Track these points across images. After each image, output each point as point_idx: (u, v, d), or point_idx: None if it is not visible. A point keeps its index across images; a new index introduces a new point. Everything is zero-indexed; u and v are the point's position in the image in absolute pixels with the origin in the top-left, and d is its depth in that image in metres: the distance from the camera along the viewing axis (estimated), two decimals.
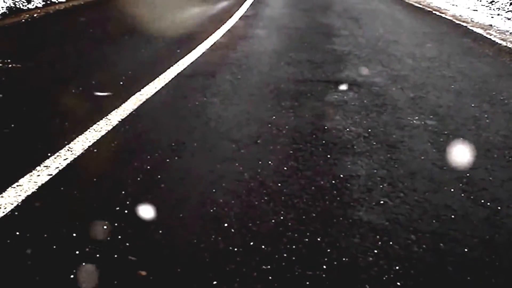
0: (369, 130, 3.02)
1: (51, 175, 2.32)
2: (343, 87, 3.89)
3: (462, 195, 2.29)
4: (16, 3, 7.16)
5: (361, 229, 1.96)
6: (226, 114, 3.22)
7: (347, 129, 3.02)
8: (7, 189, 2.17)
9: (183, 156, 2.59)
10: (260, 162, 2.53)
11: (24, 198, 2.10)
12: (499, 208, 2.18)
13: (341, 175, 2.43)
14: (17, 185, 2.20)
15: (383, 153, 2.71)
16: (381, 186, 2.33)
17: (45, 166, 2.40)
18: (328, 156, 2.65)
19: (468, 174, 2.50)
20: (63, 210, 2.04)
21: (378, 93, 3.76)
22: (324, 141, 2.84)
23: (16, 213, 1.98)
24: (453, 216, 2.10)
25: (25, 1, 7.40)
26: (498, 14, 8.81)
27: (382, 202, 2.19)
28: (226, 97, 3.54)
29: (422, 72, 4.46)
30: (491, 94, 3.88)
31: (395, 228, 1.98)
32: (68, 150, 2.59)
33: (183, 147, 2.69)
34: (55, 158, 2.49)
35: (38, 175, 2.31)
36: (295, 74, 4.21)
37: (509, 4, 9.35)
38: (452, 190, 2.34)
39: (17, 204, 2.05)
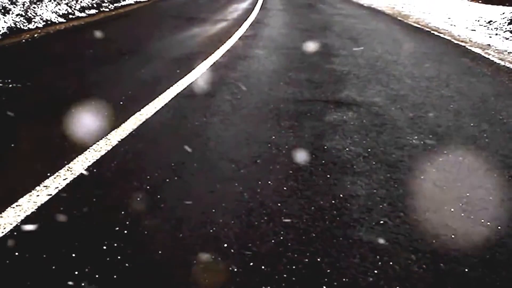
0: (369, 150, 3.05)
1: (50, 195, 2.34)
2: (343, 107, 3.93)
3: (462, 214, 2.31)
4: (17, 23, 7.27)
5: (361, 249, 1.97)
6: (225, 134, 3.25)
7: (347, 149, 3.06)
8: (7, 209, 2.18)
9: (182, 176, 2.61)
10: (259, 182, 2.56)
11: (23, 218, 2.12)
12: (499, 227, 2.20)
13: (341, 195, 2.46)
14: (17, 205, 2.22)
15: (382, 172, 2.73)
16: (381, 206, 2.35)
17: (44, 186, 2.42)
18: (328, 176, 2.68)
19: (468, 194, 2.52)
20: (62, 230, 2.06)
21: (377, 113, 3.80)
22: (323, 161, 2.87)
23: (15, 233, 1.99)
24: (453, 236, 2.11)
25: (25, 21, 7.50)
26: (496, 34, 8.94)
27: (382, 222, 2.20)
28: (226, 117, 3.58)
29: (421, 92, 4.51)
30: (490, 113, 3.93)
31: (395, 248, 1.99)
32: (67, 170, 2.61)
33: (183, 167, 2.71)
34: (54, 178, 2.51)
35: (38, 195, 2.33)
36: (295, 94, 4.26)
37: (506, 24, 9.49)
38: (452, 209, 2.36)
39: (16, 224, 2.06)
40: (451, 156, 3.01)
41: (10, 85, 4.18)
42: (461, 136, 3.39)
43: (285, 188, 2.51)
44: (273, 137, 3.21)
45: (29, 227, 2.05)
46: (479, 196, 2.51)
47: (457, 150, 3.12)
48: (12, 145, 2.97)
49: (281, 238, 2.04)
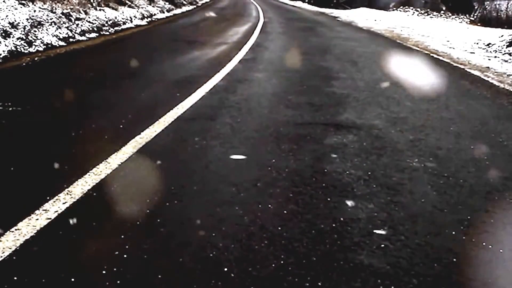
0: (369, 173, 3.07)
1: (50, 219, 2.35)
2: (343, 130, 3.97)
3: (464, 238, 2.32)
4: (17, 46, 7.37)
5: (362, 273, 1.98)
6: (225, 157, 3.27)
7: (347, 172, 3.08)
8: (6, 233, 2.19)
9: (183, 200, 2.63)
10: (260, 206, 2.57)
11: (22, 242, 2.13)
12: (501, 251, 2.21)
13: (342, 218, 2.47)
14: (16, 229, 2.23)
15: (383, 196, 2.75)
16: (382, 229, 2.36)
17: (44, 210, 2.43)
18: (328, 199, 2.69)
19: (469, 217, 2.53)
20: (62, 254, 2.06)
21: (377, 136, 3.84)
22: (324, 184, 2.89)
23: (14, 257, 2.00)
24: (455, 260, 2.12)
25: (26, 45, 7.61)
26: (495, 57, 9.05)
27: (383, 245, 2.21)
28: (226, 140, 3.61)
29: (421, 114, 4.56)
30: (490, 136, 3.96)
31: (397, 272, 2.00)
32: (67, 193, 2.62)
33: (183, 191, 2.73)
34: (54, 201, 2.52)
35: (37, 219, 2.34)
36: (295, 117, 4.30)
37: (505, 46, 9.62)
38: (453, 233, 2.37)
39: (16, 249, 2.07)
40: (451, 178, 3.04)
41: (10, 108, 4.23)
42: (462, 158, 3.42)
43: (285, 212, 2.53)
44: (273, 160, 3.24)
45: (28, 252, 2.06)
46: (480, 219, 2.52)
47: (457, 172, 3.14)
48: (12, 168, 2.99)
49: (282, 262, 2.05)
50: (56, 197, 2.57)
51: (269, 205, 2.58)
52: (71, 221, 2.35)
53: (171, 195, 2.66)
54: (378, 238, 2.28)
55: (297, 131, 3.90)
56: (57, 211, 2.43)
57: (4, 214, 2.41)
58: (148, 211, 2.47)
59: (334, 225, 2.40)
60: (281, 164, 3.18)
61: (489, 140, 3.85)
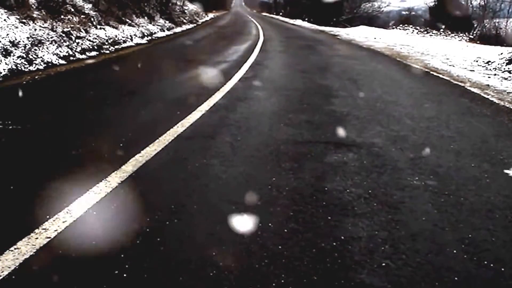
0: (370, 191, 3.09)
1: (49, 238, 2.37)
2: (343, 148, 3.99)
3: (465, 256, 2.33)
4: (18, 65, 7.45)
5: None
6: (226, 176, 3.29)
7: (347, 190, 3.10)
8: (5, 252, 2.21)
9: (183, 219, 2.64)
10: (260, 224, 2.59)
11: (22, 261, 2.14)
12: (502, 269, 2.22)
13: (342, 237, 2.48)
14: (15, 248, 2.25)
15: (384, 214, 2.77)
16: (382, 248, 2.37)
17: (43, 229, 2.45)
18: (329, 217, 2.71)
19: (470, 235, 2.54)
20: (61, 273, 2.07)
21: (377, 154, 3.86)
22: (324, 203, 2.90)
23: (13, 276, 2.01)
24: (456, 278, 2.13)
25: (26, 63, 7.69)
26: (495, 74, 9.13)
27: (384, 264, 2.22)
28: (226, 158, 3.64)
29: (421, 133, 4.59)
30: (491, 153, 3.99)
31: None
32: (67, 212, 2.64)
33: (183, 209, 2.75)
34: (53, 220, 2.54)
35: (37, 238, 2.35)
36: (295, 135, 4.33)
37: (505, 64, 9.71)
38: (454, 251, 2.38)
39: (15, 268, 2.08)
40: (452, 197, 3.05)
41: (10, 127, 4.26)
42: (462, 176, 3.44)
43: (285, 230, 2.54)
44: (274, 179, 3.25)
45: (28, 271, 2.07)
46: (481, 237, 2.53)
47: (458, 191, 3.16)
48: (12, 187, 3.01)
49: (282, 281, 2.06)
50: (56, 215, 2.59)
51: (270, 224, 2.60)
52: (70, 240, 2.37)
53: (171, 214, 2.68)
54: (379, 257, 2.29)
55: (297, 150, 3.93)
56: (56, 230, 2.44)
57: (3, 233, 2.42)
58: (148, 230, 2.49)
59: (334, 243, 2.41)
60: (282, 182, 3.20)
61: (490, 158, 3.87)
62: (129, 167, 3.37)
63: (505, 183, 3.37)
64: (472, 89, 7.39)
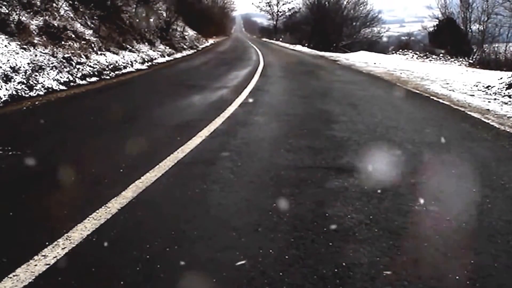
0: (371, 217, 3.10)
1: (48, 264, 2.37)
2: (344, 173, 4.02)
3: (468, 282, 2.34)
4: (18, 91, 7.52)
5: None
6: (226, 202, 3.31)
7: (348, 216, 3.11)
8: (4, 279, 2.21)
9: (183, 245, 2.65)
10: (261, 251, 2.59)
11: None
12: None
13: (344, 263, 2.48)
14: (14, 275, 2.25)
15: (385, 240, 2.77)
16: (384, 274, 2.38)
17: (42, 256, 2.45)
18: (330, 243, 2.71)
19: (472, 261, 2.55)
20: None
21: (378, 179, 3.88)
22: (325, 229, 2.91)
23: None
24: None
25: (27, 89, 7.77)
26: (495, 99, 9.22)
27: None
28: (227, 184, 3.66)
29: (422, 158, 4.62)
30: (492, 178, 4.01)
31: None
32: (66, 239, 2.65)
33: (183, 236, 2.76)
34: (53, 247, 2.55)
35: (36, 265, 2.36)
36: (295, 160, 4.36)
37: (505, 89, 9.81)
38: (457, 277, 2.38)
39: None
40: (454, 222, 3.06)
41: (10, 153, 4.29)
42: (463, 201, 3.45)
43: (286, 257, 2.54)
44: (274, 205, 3.27)
45: None
46: (484, 262, 2.54)
47: (459, 215, 3.17)
48: (11, 213, 3.02)
49: None
50: (55, 242, 2.60)
51: (270, 250, 2.60)
52: (70, 267, 2.37)
53: (171, 240, 2.69)
54: (381, 283, 2.29)
55: (298, 175, 3.95)
56: (56, 256, 2.45)
57: (2, 260, 2.43)
58: (148, 256, 2.49)
59: (336, 270, 2.42)
60: (282, 208, 3.21)
61: (491, 182, 3.90)
62: (129, 193, 3.38)
63: (506, 208, 3.38)
64: (473, 114, 7.45)
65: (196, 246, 2.65)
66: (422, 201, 3.42)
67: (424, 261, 2.53)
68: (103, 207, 3.11)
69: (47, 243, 2.58)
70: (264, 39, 70.75)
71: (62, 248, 2.54)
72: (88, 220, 2.90)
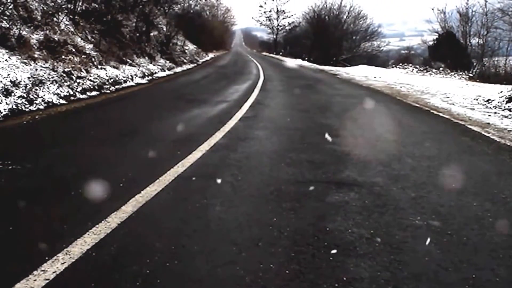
0: (372, 231, 3.10)
1: (48, 279, 2.37)
2: (344, 187, 4.03)
3: None
4: (18, 105, 7.55)
5: None
6: (226, 216, 3.32)
7: (349, 231, 3.11)
8: None
9: (183, 260, 2.65)
10: (261, 266, 2.59)
11: None
12: None
13: (344, 278, 2.49)
14: None
15: (386, 254, 2.78)
16: None
17: (42, 271, 2.46)
18: (331, 258, 2.72)
19: (474, 275, 2.55)
20: None
21: (379, 193, 3.89)
22: (326, 243, 2.91)
23: None
24: None
25: (27, 103, 7.81)
26: (495, 113, 9.25)
27: None
28: (227, 199, 3.67)
29: (423, 171, 4.63)
30: (493, 192, 4.02)
31: None
32: (66, 253, 2.65)
33: (183, 250, 2.76)
34: (52, 262, 2.55)
35: (35, 280, 2.36)
36: (296, 175, 4.38)
37: (505, 102, 9.85)
38: None
39: None
40: (455, 236, 3.07)
41: (10, 167, 4.30)
42: (464, 215, 3.46)
43: (287, 272, 2.55)
44: (275, 219, 3.28)
45: None
46: (485, 277, 2.54)
47: (461, 230, 3.18)
48: (10, 228, 3.03)
49: None
50: (55, 257, 2.60)
51: (271, 265, 2.61)
52: (69, 282, 2.37)
53: (171, 255, 2.69)
54: None
55: (298, 189, 3.96)
56: (55, 271, 2.45)
57: (1, 275, 2.43)
58: (148, 271, 2.49)
59: (337, 285, 2.42)
60: (283, 222, 3.22)
61: (492, 196, 3.90)
62: (129, 207, 3.39)
63: (508, 221, 3.38)
64: (473, 128, 7.48)
65: (196, 260, 2.65)
66: (422, 215, 3.42)
67: (425, 276, 2.53)
68: (103, 221, 3.11)
69: (46, 258, 2.58)
70: (264, 53, 71.15)
71: (62, 263, 2.54)
72: (88, 234, 2.91)
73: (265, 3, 72.28)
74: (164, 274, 2.49)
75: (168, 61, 21.01)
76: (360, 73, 23.31)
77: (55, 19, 12.51)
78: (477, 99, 11.27)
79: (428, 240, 3.00)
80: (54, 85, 9.14)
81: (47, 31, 11.52)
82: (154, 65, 18.20)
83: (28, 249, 2.74)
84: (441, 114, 9.05)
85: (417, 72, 29.35)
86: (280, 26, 72.72)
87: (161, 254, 2.70)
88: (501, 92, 11.08)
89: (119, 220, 3.15)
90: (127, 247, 2.81)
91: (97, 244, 2.80)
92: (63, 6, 13.47)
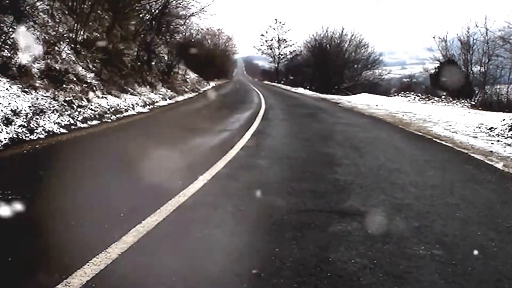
0: (375, 261, 3.10)
1: None
2: (347, 217, 4.04)
3: None
4: (19, 134, 7.61)
5: None
6: (228, 247, 3.32)
7: (352, 261, 3.11)
8: None
9: None
10: None
11: None
12: None
13: None
14: None
15: (390, 285, 2.77)
16: None
17: None
18: None
19: None
20: None
21: (382, 223, 3.90)
22: (329, 273, 2.91)
23: None
24: None
25: (27, 132, 7.86)
26: (498, 141, 9.30)
27: None
28: (228, 229, 3.68)
29: (426, 200, 4.65)
30: (497, 221, 4.02)
31: None
32: (65, 285, 2.65)
33: (185, 282, 2.76)
34: None
35: None
36: (298, 204, 4.39)
37: (507, 130, 9.90)
38: None
39: None
40: (459, 266, 3.06)
41: (10, 197, 4.32)
42: (469, 245, 3.46)
43: None
44: (277, 249, 3.28)
45: None
46: None
47: (465, 260, 3.17)
48: (10, 258, 3.03)
49: None
50: None
51: None
52: None
53: (172, 286, 2.69)
54: None
55: (300, 219, 3.97)
56: None
57: None
58: None
59: None
60: (285, 253, 3.22)
61: (496, 225, 3.91)
62: (130, 237, 3.40)
63: None
64: (476, 156, 7.51)
65: None
66: (426, 244, 3.42)
67: None
68: (103, 252, 3.12)
69: None
70: (266, 82, 71.86)
71: None
72: (88, 265, 2.91)
73: (267, 31, 73.56)
74: None
75: (169, 90, 21.21)
76: (362, 101, 23.49)
77: (56, 48, 12.70)
78: (479, 127, 11.34)
79: (432, 270, 3.00)
80: (55, 114, 9.23)
81: (49, 60, 11.68)
82: (155, 94, 18.37)
83: (27, 279, 2.74)
84: (443, 143, 9.10)
85: (419, 100, 29.57)
86: (282, 54, 73.74)
87: (162, 285, 2.70)
88: (504, 120, 11.16)
89: (120, 251, 3.16)
90: (127, 278, 2.81)
91: (97, 275, 2.80)
92: (65, 35, 13.69)
